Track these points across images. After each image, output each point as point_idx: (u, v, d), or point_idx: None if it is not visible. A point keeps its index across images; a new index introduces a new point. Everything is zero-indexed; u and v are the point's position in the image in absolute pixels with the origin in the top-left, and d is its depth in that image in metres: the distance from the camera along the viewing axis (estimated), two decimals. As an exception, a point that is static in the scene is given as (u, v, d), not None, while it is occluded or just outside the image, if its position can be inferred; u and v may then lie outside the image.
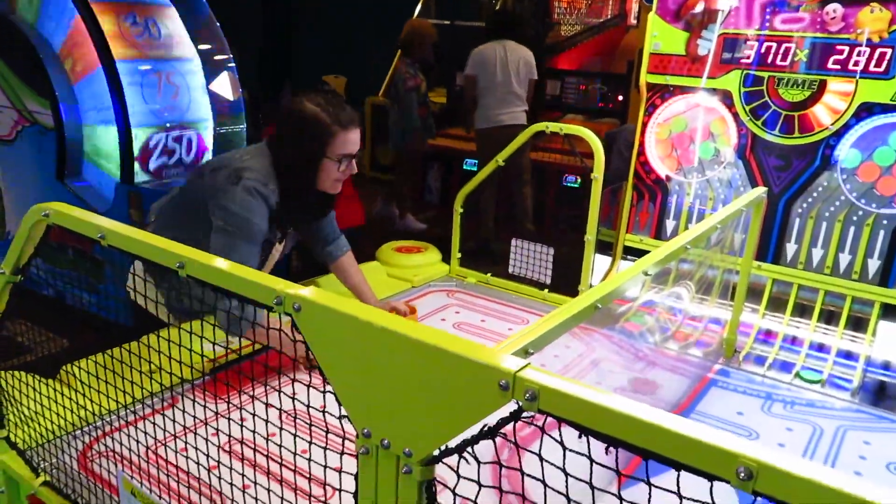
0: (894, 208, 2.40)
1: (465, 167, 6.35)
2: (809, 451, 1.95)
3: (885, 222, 2.42)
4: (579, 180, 5.67)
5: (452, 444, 0.82)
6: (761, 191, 2.29)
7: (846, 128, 2.42)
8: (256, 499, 1.16)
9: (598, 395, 0.71)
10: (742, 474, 0.64)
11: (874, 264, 2.45)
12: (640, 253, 2.82)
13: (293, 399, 1.06)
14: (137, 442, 1.37)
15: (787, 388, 2.30)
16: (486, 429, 0.80)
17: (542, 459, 0.82)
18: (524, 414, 0.77)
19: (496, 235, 5.07)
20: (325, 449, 1.03)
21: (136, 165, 3.55)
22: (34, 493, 1.56)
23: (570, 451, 0.76)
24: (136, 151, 3.52)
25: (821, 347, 2.51)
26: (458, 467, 0.86)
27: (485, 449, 0.82)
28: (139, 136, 3.53)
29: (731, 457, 0.64)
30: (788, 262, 2.60)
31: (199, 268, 1.04)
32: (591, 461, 0.75)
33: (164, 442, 1.36)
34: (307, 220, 2.25)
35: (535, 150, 5.62)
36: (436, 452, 0.83)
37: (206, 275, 1.03)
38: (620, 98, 6.01)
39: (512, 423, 0.78)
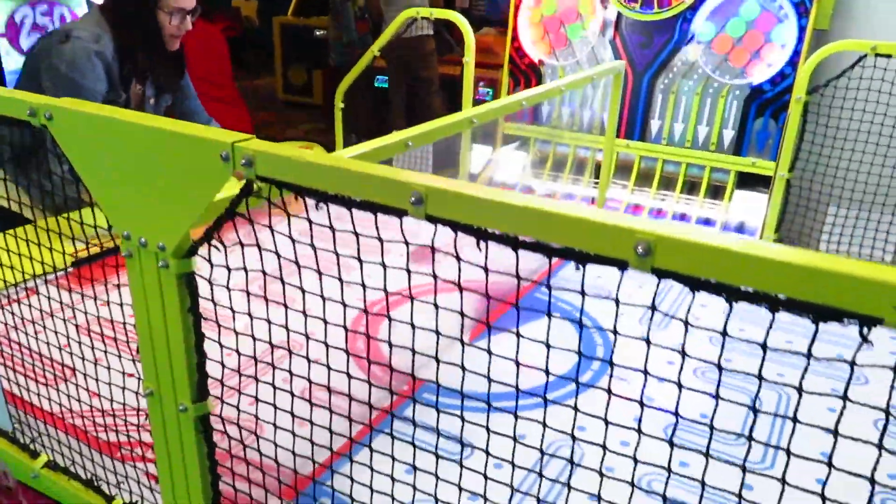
0: (745, 79, 2.51)
1: (376, 84, 6.30)
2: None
3: (737, 93, 2.54)
4: (491, 93, 5.70)
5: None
6: (619, 63, 2.36)
7: (701, 1, 2.50)
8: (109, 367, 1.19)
9: (324, 160, 0.76)
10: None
11: (728, 134, 2.58)
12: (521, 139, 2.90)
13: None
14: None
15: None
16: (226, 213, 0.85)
17: (293, 241, 0.87)
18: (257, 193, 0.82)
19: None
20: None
21: (6, 44, 3.39)
22: None
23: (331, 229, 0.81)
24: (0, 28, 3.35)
25: (682, 217, 2.66)
26: (226, 262, 0.91)
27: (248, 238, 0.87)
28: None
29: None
30: (653, 138, 2.71)
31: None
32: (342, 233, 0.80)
33: (19, 328, 1.37)
34: (156, 77, 2.21)
35: (445, 65, 5.60)
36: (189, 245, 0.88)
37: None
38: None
39: (244, 202, 0.82)
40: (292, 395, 0.94)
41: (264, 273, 0.89)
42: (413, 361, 0.82)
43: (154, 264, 0.91)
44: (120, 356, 1.18)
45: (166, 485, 1.07)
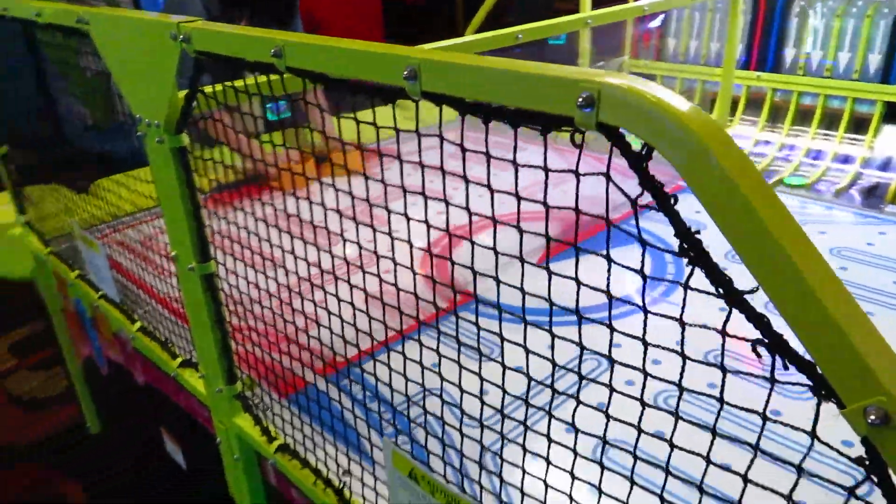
0: (895, -6, 2.22)
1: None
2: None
3: (885, 11, 2.24)
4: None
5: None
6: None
7: (839, -90, 2.24)
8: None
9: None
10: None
11: (875, 60, 2.29)
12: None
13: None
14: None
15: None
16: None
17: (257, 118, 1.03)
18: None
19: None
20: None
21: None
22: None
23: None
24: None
25: (818, 154, 2.42)
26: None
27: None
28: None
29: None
30: (786, 69, 2.49)
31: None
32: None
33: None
34: (260, 13, 2.35)
35: None
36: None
37: None
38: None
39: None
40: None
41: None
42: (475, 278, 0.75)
43: (154, 141, 1.13)
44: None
45: (195, 336, 1.31)
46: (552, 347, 0.71)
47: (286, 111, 2.28)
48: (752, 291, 0.50)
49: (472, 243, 0.75)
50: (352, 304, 0.96)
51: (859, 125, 2.38)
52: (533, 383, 0.76)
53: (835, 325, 0.43)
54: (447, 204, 0.73)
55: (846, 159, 2.35)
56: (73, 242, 1.97)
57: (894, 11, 2.23)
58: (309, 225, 0.99)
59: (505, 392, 0.78)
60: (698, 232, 0.52)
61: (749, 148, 2.53)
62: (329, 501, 1.13)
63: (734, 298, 0.51)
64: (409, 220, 0.79)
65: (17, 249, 2.28)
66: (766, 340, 0.50)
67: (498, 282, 0.71)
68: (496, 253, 0.71)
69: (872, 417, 0.43)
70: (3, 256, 2.34)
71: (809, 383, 0.48)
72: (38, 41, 1.80)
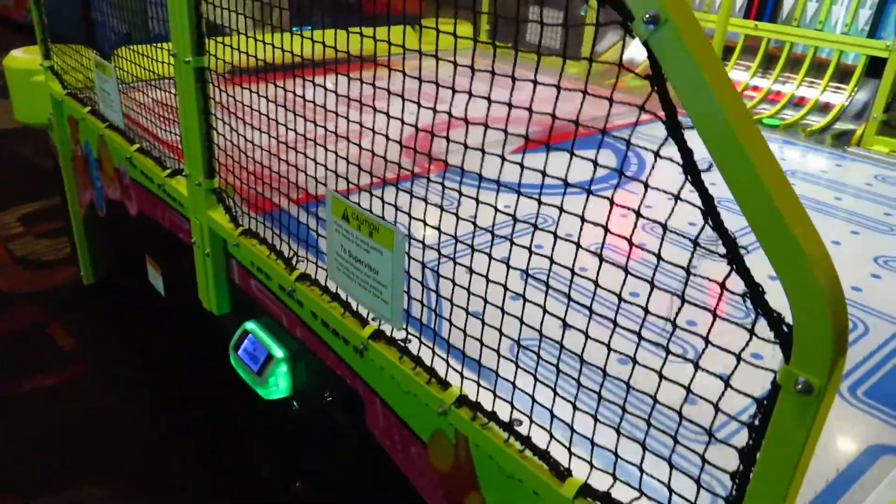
0: (891, -50, 2.31)
1: None
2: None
3: (880, -34, 2.33)
4: None
5: None
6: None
7: None
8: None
9: None
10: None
11: (865, 14, 2.39)
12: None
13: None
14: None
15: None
16: None
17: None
18: None
19: None
20: None
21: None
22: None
23: None
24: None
25: (801, 100, 2.52)
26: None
27: None
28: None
29: None
30: (783, 19, 2.59)
31: None
32: None
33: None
34: None
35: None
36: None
37: None
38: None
39: None
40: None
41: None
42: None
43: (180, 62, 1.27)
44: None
45: (183, 128, 1.46)
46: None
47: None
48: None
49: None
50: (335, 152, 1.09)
51: (844, 75, 2.48)
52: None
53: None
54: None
55: (826, 106, 2.45)
56: (88, 94, 2.12)
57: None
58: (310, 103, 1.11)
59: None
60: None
61: (739, 90, 2.63)
62: (279, 269, 1.28)
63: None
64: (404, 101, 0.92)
65: (37, 96, 2.44)
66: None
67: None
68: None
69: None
70: (24, 101, 2.50)
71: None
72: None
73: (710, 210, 0.60)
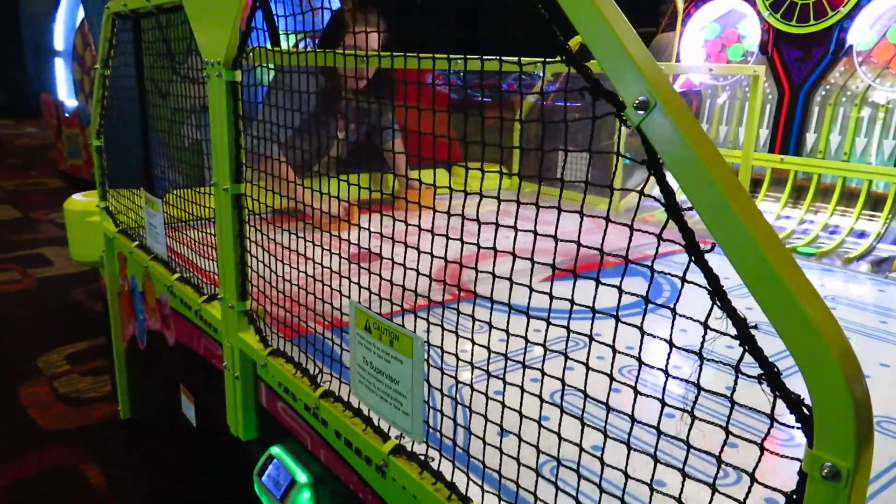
0: (908, 85, 2.38)
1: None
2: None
3: (899, 100, 2.40)
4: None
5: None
6: (760, 68, 2.43)
7: (857, 8, 2.46)
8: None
9: None
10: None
11: (889, 145, 2.42)
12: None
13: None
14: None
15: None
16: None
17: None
18: None
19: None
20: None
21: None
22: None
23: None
24: None
25: (836, 229, 2.51)
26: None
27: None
28: None
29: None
30: (808, 152, 2.64)
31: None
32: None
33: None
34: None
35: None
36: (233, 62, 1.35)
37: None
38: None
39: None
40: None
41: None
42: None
43: (216, 76, 1.39)
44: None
45: (219, 250, 1.52)
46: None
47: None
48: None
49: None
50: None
51: (877, 203, 2.48)
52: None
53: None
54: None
55: (862, 234, 2.43)
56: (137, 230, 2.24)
57: (907, 101, 2.39)
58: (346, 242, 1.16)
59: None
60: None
61: (771, 221, 2.65)
62: (303, 386, 1.28)
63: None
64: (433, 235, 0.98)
65: (91, 235, 2.59)
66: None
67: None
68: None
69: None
70: (80, 241, 2.66)
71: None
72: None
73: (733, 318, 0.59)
